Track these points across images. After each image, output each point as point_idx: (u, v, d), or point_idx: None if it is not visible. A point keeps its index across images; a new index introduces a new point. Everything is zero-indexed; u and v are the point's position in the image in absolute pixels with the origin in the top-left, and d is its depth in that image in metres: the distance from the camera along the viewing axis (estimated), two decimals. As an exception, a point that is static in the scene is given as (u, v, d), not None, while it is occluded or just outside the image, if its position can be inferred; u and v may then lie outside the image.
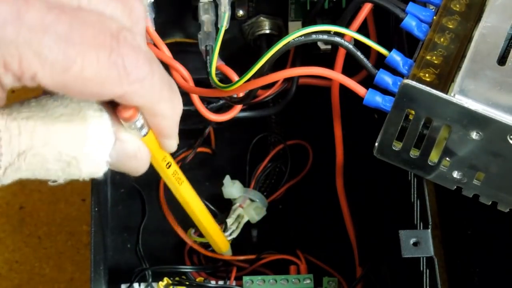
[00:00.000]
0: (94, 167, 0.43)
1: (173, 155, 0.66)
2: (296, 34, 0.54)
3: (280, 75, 0.57)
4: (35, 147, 0.41)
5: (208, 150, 0.70)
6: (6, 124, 0.40)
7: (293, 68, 0.64)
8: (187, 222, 0.64)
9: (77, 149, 0.42)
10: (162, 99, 0.43)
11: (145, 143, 0.45)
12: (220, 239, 0.62)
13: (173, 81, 0.44)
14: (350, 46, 0.54)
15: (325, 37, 0.54)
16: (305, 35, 0.54)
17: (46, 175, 0.43)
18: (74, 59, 0.38)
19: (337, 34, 0.55)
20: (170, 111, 0.44)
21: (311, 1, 0.65)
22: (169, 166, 0.51)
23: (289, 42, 0.54)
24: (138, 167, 0.46)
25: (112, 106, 0.43)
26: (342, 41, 0.54)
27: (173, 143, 0.47)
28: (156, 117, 0.44)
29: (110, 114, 0.43)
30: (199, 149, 0.68)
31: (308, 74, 0.56)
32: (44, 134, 0.41)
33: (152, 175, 0.69)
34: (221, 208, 0.67)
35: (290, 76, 0.63)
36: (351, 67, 0.59)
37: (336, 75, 0.55)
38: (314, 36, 0.54)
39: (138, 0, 0.43)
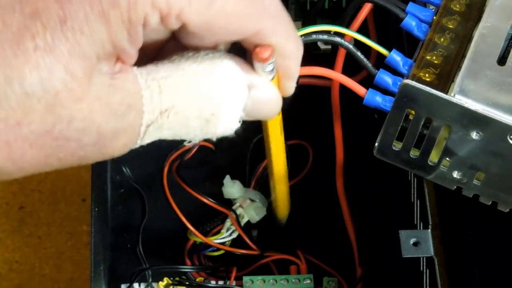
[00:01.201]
0: (230, 122, 0.43)
1: (176, 148, 0.66)
2: (296, 34, 0.54)
3: (280, 75, 0.56)
4: (177, 104, 0.41)
5: (210, 144, 0.69)
6: (147, 82, 0.40)
7: (293, 68, 0.64)
8: (188, 220, 0.65)
9: (216, 103, 0.42)
10: (291, 37, 0.44)
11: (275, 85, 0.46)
12: (288, 202, 0.63)
13: None
14: (350, 46, 0.54)
15: (325, 37, 0.54)
16: (305, 35, 0.54)
17: (185, 134, 0.43)
18: None
19: (337, 34, 0.55)
20: (297, 51, 0.45)
21: (311, 1, 0.65)
22: (279, 113, 0.51)
23: (289, 42, 0.54)
24: (273, 111, 0.47)
25: (240, 57, 0.44)
26: (342, 41, 0.54)
27: (294, 85, 0.47)
28: (285, 57, 0.44)
29: (240, 64, 0.43)
30: (202, 143, 0.68)
31: (308, 74, 0.56)
32: (184, 91, 0.41)
33: (152, 175, 0.70)
34: (221, 208, 0.67)
35: (290, 76, 0.63)
36: (351, 67, 0.59)
37: (336, 75, 0.55)
38: (314, 36, 0.54)
39: None
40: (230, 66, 0.43)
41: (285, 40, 0.43)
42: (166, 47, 0.43)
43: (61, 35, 0.37)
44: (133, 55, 0.40)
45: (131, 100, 0.40)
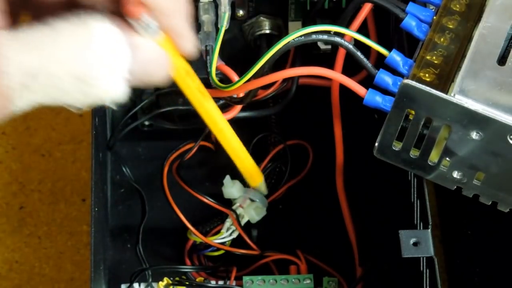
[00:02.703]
0: (112, 84, 0.42)
1: (176, 148, 0.66)
2: (296, 34, 0.54)
3: (280, 75, 0.57)
4: (45, 65, 0.40)
5: (210, 145, 0.69)
6: (12, 43, 0.40)
7: (293, 68, 0.64)
8: (188, 220, 0.65)
9: (88, 63, 0.41)
10: None
11: (163, 48, 0.44)
12: (254, 167, 0.61)
13: None
14: (350, 46, 0.54)
15: (325, 37, 0.54)
16: (305, 35, 0.54)
17: (63, 95, 0.41)
18: None
19: (337, 34, 0.55)
20: (177, 7, 0.44)
21: (311, 1, 0.65)
22: (192, 79, 0.50)
23: (289, 42, 0.54)
24: (160, 72, 0.45)
25: (123, 19, 0.42)
26: (342, 41, 0.54)
27: (188, 43, 0.46)
28: (164, 14, 0.43)
29: (121, 26, 0.42)
30: (203, 143, 0.68)
31: (308, 74, 0.56)
32: (52, 50, 0.40)
33: (152, 175, 0.70)
34: (221, 208, 0.67)
35: (290, 76, 0.63)
36: (351, 67, 0.59)
37: (336, 75, 0.55)
38: (314, 36, 0.54)
39: None
40: (105, 24, 0.42)
41: None
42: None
43: None
44: None
45: None
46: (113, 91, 0.42)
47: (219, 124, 0.55)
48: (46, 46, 0.40)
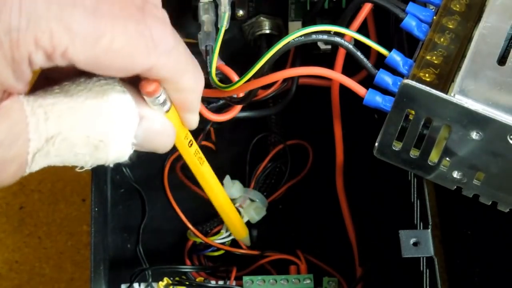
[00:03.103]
0: (121, 149, 0.43)
1: (176, 148, 0.66)
2: (296, 34, 0.54)
3: (280, 75, 0.57)
4: (63, 131, 0.41)
5: (210, 144, 0.69)
6: (33, 110, 0.40)
7: (293, 68, 0.64)
8: (188, 220, 0.65)
9: (104, 131, 0.42)
10: (187, 72, 0.43)
11: (169, 119, 0.45)
12: (240, 223, 0.63)
13: (193, 56, 0.45)
14: (350, 46, 0.54)
15: (325, 37, 0.54)
16: (305, 35, 0.54)
17: (75, 160, 0.42)
18: (103, 31, 0.39)
19: (337, 34, 0.55)
20: (195, 85, 0.45)
21: (311, 1, 0.65)
22: (191, 144, 0.51)
23: (289, 42, 0.54)
24: (164, 144, 0.46)
25: (134, 86, 0.43)
26: (342, 41, 0.54)
27: (195, 118, 0.47)
28: (180, 91, 0.44)
29: (132, 93, 0.43)
30: (203, 143, 0.68)
31: (308, 74, 0.56)
32: (71, 118, 0.41)
33: (152, 175, 0.70)
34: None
35: (290, 76, 0.63)
36: (351, 67, 0.59)
37: (336, 75, 0.55)
38: (314, 36, 0.54)
39: None
40: (120, 95, 0.42)
41: (178, 75, 0.43)
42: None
43: None
44: (21, 88, 0.40)
45: (17, 129, 0.40)
46: (120, 155, 0.43)
47: (212, 185, 0.58)
48: (63, 113, 0.41)
